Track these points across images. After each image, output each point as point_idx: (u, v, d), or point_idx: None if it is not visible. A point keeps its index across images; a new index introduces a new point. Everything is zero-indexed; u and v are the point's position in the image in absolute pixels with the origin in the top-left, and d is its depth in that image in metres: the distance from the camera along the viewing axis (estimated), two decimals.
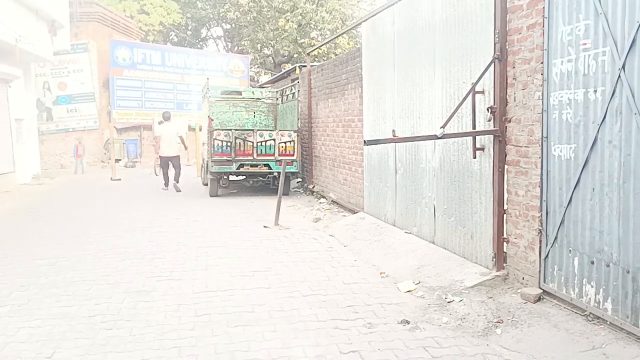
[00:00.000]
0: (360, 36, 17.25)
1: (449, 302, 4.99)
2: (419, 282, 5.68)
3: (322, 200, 11.82)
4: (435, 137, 5.43)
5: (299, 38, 30.26)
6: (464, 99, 5.63)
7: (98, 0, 27.39)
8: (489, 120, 5.54)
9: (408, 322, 4.62)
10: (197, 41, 40.37)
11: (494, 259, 5.43)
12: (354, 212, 9.67)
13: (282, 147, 12.91)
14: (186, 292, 5.54)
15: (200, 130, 16.84)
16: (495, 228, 5.45)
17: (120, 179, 17.55)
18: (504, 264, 5.40)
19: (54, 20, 17.60)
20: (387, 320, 4.71)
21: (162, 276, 6.16)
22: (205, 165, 14.19)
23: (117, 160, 21.80)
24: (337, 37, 18.41)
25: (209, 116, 13.60)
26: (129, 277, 6.12)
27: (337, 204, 10.97)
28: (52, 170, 21.00)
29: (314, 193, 12.84)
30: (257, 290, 5.59)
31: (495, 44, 5.39)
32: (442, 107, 6.53)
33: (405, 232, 7.40)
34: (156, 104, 26.18)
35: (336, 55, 24.37)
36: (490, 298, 4.93)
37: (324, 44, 16.05)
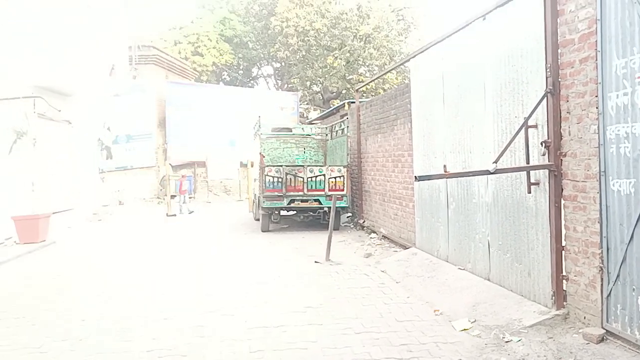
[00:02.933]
0: (409, 71, 17.31)
1: (506, 341, 4.85)
2: (475, 321, 5.55)
3: (373, 235, 11.78)
4: (488, 173, 5.37)
5: (347, 74, 30.69)
6: (517, 133, 5.58)
7: (154, 44, 28.77)
8: (543, 155, 5.46)
9: None
10: (248, 80, 41.63)
11: (553, 297, 5.26)
12: (405, 247, 9.58)
13: (332, 182, 13.02)
14: (240, 328, 5.61)
15: (252, 166, 17.17)
16: (553, 265, 5.30)
17: (175, 215, 18.05)
18: (564, 303, 5.22)
19: (114, 64, 18.57)
20: None
21: (216, 312, 6.25)
22: (257, 200, 14.43)
23: (173, 197, 22.39)
24: (385, 74, 18.59)
25: (260, 153, 13.89)
26: (184, 313, 6.24)
27: (388, 239, 10.90)
28: (111, 207, 21.75)
29: (365, 228, 12.82)
30: (310, 327, 5.59)
31: (547, 77, 5.35)
32: (493, 141, 6.48)
33: (459, 269, 7.27)
34: (209, 142, 26.98)
35: (385, 90, 24.56)
36: (550, 338, 4.76)
37: (372, 80, 16.22)
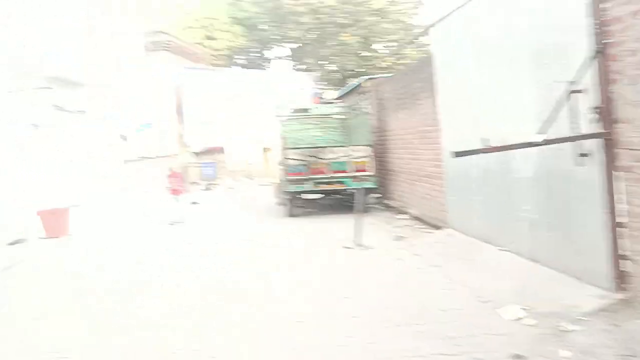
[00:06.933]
0: (428, 45, 16.37)
1: (565, 331, 4.41)
2: (526, 308, 5.09)
3: (403, 216, 11.32)
4: (536, 144, 4.89)
5: (363, 51, 30.02)
6: (562, 99, 5.07)
7: (166, 30, 28.42)
8: (592, 122, 4.94)
9: (521, 357, 4.09)
10: (263, 62, 41.06)
11: (615, 280, 4.78)
12: (438, 228, 9.13)
13: (356, 162, 12.57)
14: (271, 322, 5.26)
15: (271, 150, 16.82)
16: (610, 244, 4.82)
17: (197, 202, 17.75)
18: (624, 285, 4.75)
19: (127, 52, 18.29)
20: (497, 354, 4.18)
21: (245, 304, 5.92)
22: (281, 184, 14.07)
23: (193, 183, 22.16)
24: (403, 46, 17.97)
25: (281, 136, 13.48)
26: (211, 308, 5.90)
27: (419, 219, 10.44)
28: (133, 194, 21.51)
29: (393, 209, 12.36)
30: (347, 320, 5.20)
31: (594, 36, 4.82)
32: (534, 110, 5.95)
33: (501, 250, 6.80)
34: (228, 126, 26.63)
35: (404, 65, 23.87)
36: (615, 326, 4.30)
37: (392, 55, 15.69)
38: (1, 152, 10.87)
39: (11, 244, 10.56)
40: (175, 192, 13.71)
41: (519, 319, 4.87)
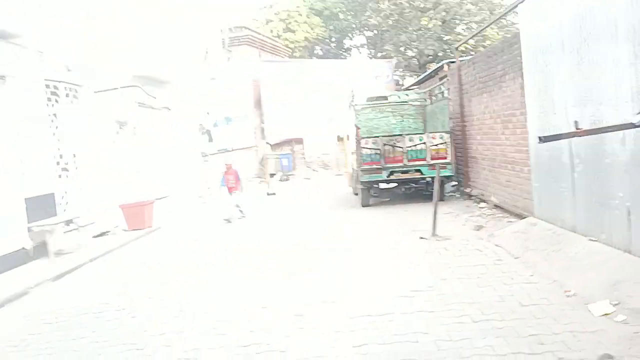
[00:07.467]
0: (511, 25, 15.39)
1: None
2: (618, 303, 4.62)
3: (482, 204, 10.81)
4: (633, 126, 4.38)
5: (443, 35, 29.06)
6: None
7: (246, 24, 28.94)
8: None
9: (611, 358, 3.70)
10: (341, 51, 40.98)
11: None
12: (521, 217, 8.59)
13: (434, 150, 12.16)
14: (341, 317, 5.09)
15: (348, 139, 16.63)
16: None
17: (275, 194, 17.97)
18: None
19: (207, 48, 18.67)
20: (584, 354, 3.82)
21: (315, 298, 5.79)
22: (355, 174, 13.89)
23: (272, 175, 22.39)
24: (489, 25, 17.04)
25: (355, 125, 13.27)
26: (281, 300, 5.85)
27: (500, 208, 9.91)
28: (214, 188, 22.12)
29: (472, 197, 11.84)
30: (419, 315, 4.96)
31: None
32: (631, 89, 5.37)
33: (590, 240, 6.24)
34: (306, 118, 26.75)
35: (485, 48, 22.88)
36: None
37: (475, 35, 14.88)
38: (90, 149, 11.35)
39: (96, 236, 11.09)
40: (230, 189, 12.90)
41: (609, 315, 4.42)
